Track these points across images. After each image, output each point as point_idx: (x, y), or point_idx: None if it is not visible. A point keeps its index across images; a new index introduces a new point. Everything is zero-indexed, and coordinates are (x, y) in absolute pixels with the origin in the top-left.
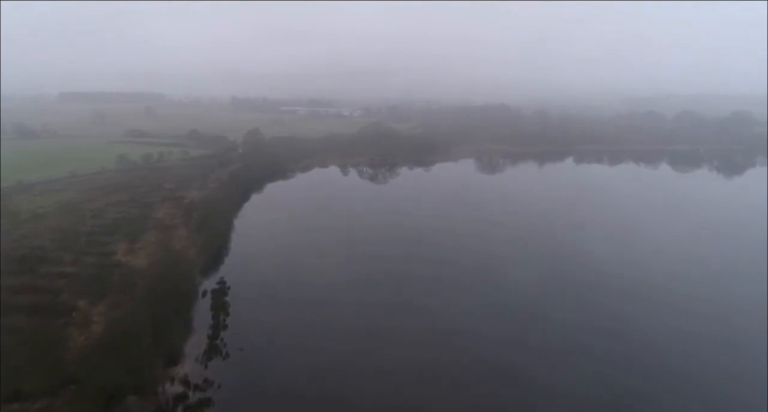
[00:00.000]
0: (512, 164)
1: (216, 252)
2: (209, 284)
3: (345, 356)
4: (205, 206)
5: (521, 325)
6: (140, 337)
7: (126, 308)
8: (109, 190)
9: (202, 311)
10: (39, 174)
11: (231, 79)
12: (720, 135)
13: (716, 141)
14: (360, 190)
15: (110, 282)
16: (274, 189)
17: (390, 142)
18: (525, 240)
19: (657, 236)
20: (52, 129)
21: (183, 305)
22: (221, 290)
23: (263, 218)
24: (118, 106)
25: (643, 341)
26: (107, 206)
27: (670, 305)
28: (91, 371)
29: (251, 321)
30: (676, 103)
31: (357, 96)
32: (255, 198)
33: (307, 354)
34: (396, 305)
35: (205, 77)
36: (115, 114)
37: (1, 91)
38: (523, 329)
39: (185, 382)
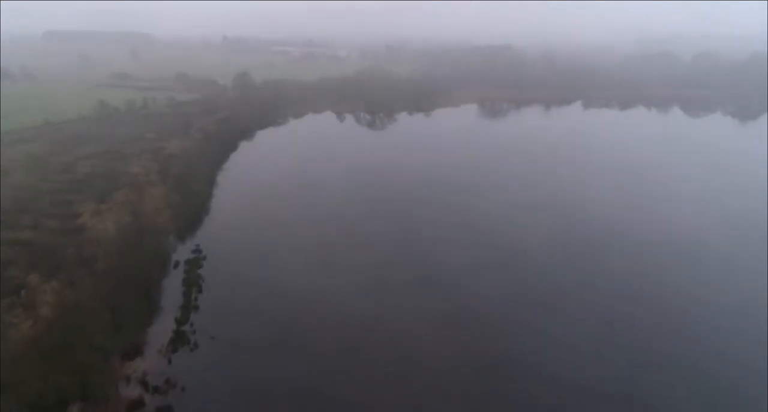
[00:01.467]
0: (517, 111)
1: (194, 213)
2: (183, 252)
3: (337, 359)
4: (186, 159)
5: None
6: (95, 323)
7: (83, 286)
8: (85, 140)
9: (172, 288)
10: (10, 123)
11: (223, 15)
12: (738, 79)
13: (734, 85)
14: (357, 139)
15: (69, 253)
16: (264, 138)
17: (388, 87)
18: (529, 192)
19: (659, 192)
20: (32, 72)
21: (150, 282)
22: (195, 261)
23: (250, 172)
24: (104, 47)
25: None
26: (79, 159)
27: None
28: (28, 373)
29: (227, 300)
30: (692, 44)
31: (353, 36)
32: (243, 148)
33: (290, 351)
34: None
35: (196, 16)
36: (101, 55)
37: None
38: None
39: (143, 382)
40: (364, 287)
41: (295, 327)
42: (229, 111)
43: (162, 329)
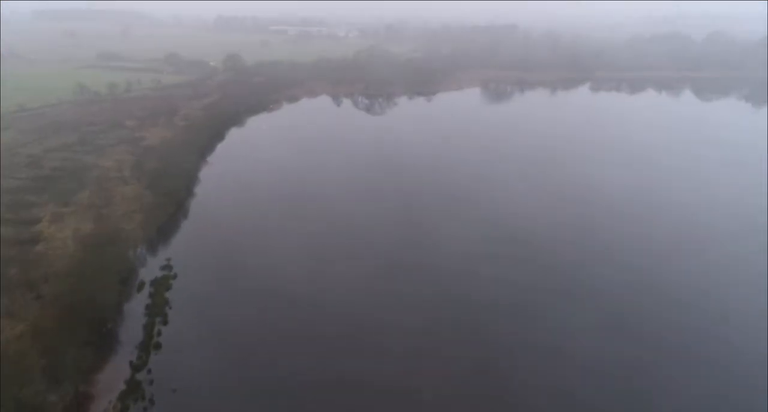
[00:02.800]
0: (522, 94)
1: (169, 217)
2: (152, 268)
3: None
4: (166, 151)
5: None
6: (28, 372)
7: (22, 317)
8: (59, 128)
9: (134, 317)
10: None
11: None
12: (752, 61)
13: (748, 67)
14: (354, 126)
15: (12, 274)
16: (254, 125)
17: (387, 68)
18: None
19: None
20: (18, 51)
21: (106, 310)
22: (164, 281)
23: (237, 167)
24: (94, 26)
25: None
26: (49, 150)
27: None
28: None
29: (196, 335)
30: (705, 23)
31: (352, 14)
32: (231, 137)
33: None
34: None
35: None
36: (91, 34)
37: None
38: None
39: None
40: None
41: (277, 377)
42: (219, 95)
43: (114, 376)
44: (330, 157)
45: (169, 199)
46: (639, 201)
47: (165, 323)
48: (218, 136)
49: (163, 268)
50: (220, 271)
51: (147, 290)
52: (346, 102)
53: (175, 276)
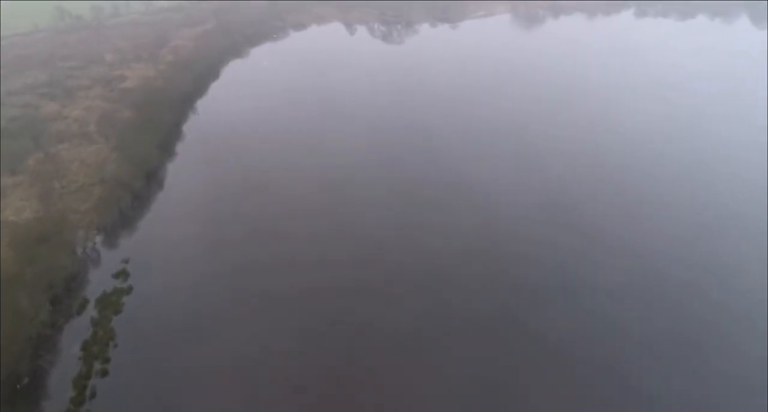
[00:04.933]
0: (556, 19)
1: (136, 194)
2: (102, 275)
3: None
4: (146, 96)
5: None
6: None
7: None
8: (27, 64)
9: (65, 360)
10: None
11: None
12: None
13: None
14: (371, 59)
15: None
16: (254, 58)
17: None
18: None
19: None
20: None
21: (34, 342)
22: (113, 300)
23: (231, 114)
24: None
25: None
26: (12, 94)
27: None
28: None
29: (148, 382)
30: None
31: None
32: (228, 74)
33: None
34: None
35: None
36: None
37: None
38: None
39: None
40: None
41: None
42: (214, 22)
43: None
44: (338, 105)
45: (138, 168)
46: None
47: (104, 373)
48: (211, 74)
49: (118, 275)
50: (192, 278)
51: (90, 312)
52: (361, 29)
53: (129, 290)
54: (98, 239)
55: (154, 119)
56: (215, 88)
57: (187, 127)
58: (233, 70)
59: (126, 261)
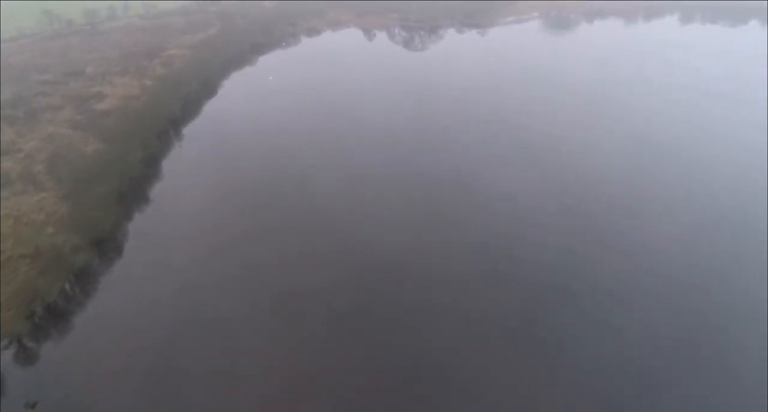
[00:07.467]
0: (591, 23)
1: (79, 269)
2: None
3: None
4: (122, 121)
5: None
6: None
7: None
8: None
9: None
10: None
11: None
12: None
13: None
14: (393, 69)
15: None
16: (261, 69)
17: None
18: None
19: None
20: None
21: None
22: None
23: (225, 143)
24: None
25: None
26: None
27: None
28: None
29: None
30: None
31: None
32: (229, 88)
33: None
34: None
35: None
36: None
37: None
38: None
39: None
40: None
41: None
42: (218, 27)
43: None
44: (356, 124)
45: (86, 234)
46: None
47: None
48: (206, 91)
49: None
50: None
51: None
52: (380, 36)
53: None
54: (5, 355)
55: (124, 156)
56: (208, 111)
57: (166, 165)
58: (233, 87)
59: (33, 405)
